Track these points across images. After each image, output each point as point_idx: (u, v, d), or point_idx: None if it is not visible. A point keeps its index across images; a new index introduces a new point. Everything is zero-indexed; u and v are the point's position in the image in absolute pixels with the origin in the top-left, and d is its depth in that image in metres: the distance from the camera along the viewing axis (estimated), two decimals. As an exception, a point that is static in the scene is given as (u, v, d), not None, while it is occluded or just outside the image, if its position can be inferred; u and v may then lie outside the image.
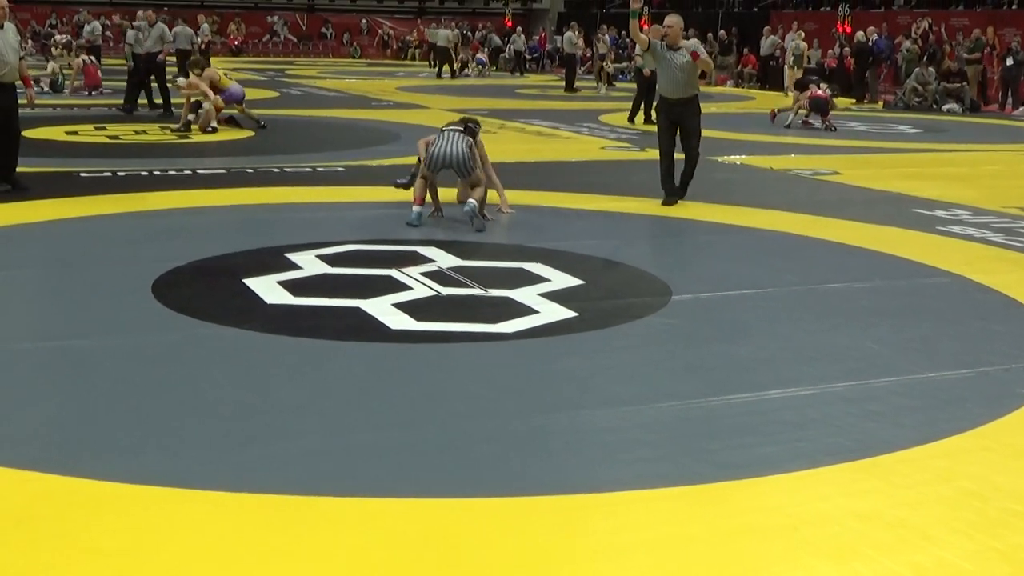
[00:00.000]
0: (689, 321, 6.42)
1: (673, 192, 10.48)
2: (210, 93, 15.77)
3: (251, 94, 23.71)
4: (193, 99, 16.00)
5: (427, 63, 40.09)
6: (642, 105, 18.59)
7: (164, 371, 5.26)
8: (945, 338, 6.16)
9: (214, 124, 15.74)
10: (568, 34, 28.88)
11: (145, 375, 5.19)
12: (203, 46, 31.98)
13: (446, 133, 9.24)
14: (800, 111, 18.76)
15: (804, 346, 5.96)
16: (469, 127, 9.39)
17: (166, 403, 4.80)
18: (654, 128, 17.47)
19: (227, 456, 4.23)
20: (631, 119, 18.73)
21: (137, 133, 15.68)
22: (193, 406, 4.77)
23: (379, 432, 4.52)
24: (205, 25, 32.75)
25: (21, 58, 10.36)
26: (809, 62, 27.82)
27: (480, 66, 35.63)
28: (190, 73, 16.10)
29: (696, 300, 6.91)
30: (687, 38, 18.17)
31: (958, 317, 6.64)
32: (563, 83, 28.36)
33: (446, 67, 32.86)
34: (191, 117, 15.91)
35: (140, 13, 19.43)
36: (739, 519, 3.82)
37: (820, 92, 18.61)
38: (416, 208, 9.07)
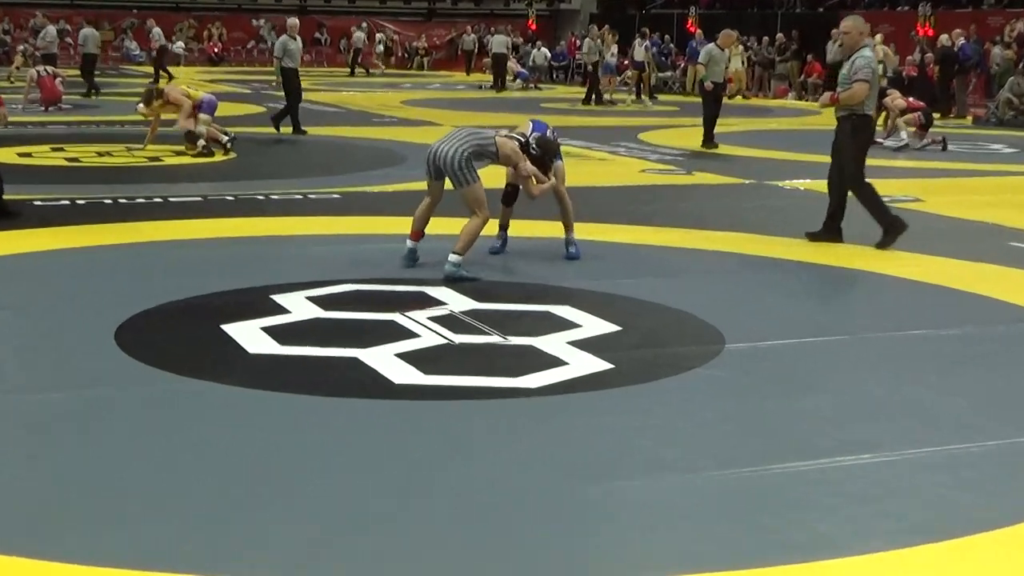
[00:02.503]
0: (744, 374, 6.39)
1: (827, 230, 10.35)
2: (185, 104, 15.88)
3: (233, 109, 23.97)
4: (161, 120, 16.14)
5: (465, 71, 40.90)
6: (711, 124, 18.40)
7: (127, 435, 5.26)
8: (1049, 394, 6.12)
9: (205, 142, 15.79)
10: (588, 41, 29.08)
11: (104, 439, 5.19)
12: (155, 52, 32.29)
13: (471, 131, 9.00)
14: (906, 128, 18.68)
15: (880, 403, 5.92)
16: (531, 143, 9.10)
17: (129, 473, 4.80)
18: (715, 151, 17.63)
19: (205, 536, 4.22)
20: (707, 142, 18.30)
21: (100, 155, 15.82)
22: (162, 477, 4.76)
23: (380, 506, 4.50)
24: (156, 29, 32.92)
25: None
26: (885, 71, 27.86)
27: (524, 80, 35.92)
28: (151, 101, 16.19)
29: (753, 349, 6.88)
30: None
31: (1064, 369, 6.60)
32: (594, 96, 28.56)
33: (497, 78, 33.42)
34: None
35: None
36: (805, 609, 3.78)
37: (911, 101, 18.72)
38: (409, 243, 8.95)
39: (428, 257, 8.91)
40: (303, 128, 19.08)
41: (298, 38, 19.48)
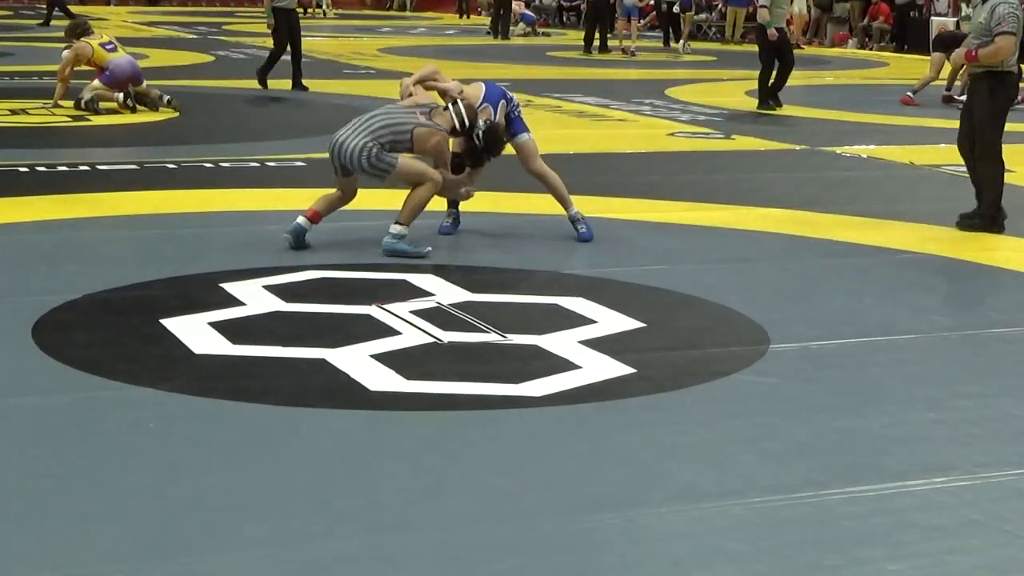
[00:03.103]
0: (794, 381, 6.39)
1: (984, 220, 10.13)
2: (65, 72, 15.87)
3: (176, 59, 24.00)
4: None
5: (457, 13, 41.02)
6: (767, 81, 18.06)
7: (48, 451, 5.26)
8: None
9: (100, 100, 15.72)
10: None
11: (20, 456, 5.19)
12: None
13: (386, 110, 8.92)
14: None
15: (960, 418, 5.92)
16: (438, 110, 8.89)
17: (49, 496, 4.80)
18: (772, 112, 17.50)
19: (143, 573, 4.23)
20: (764, 102, 18.01)
21: (13, 112, 15.82)
22: (91, 501, 4.76)
23: (354, 539, 4.50)
24: None
25: None
26: (964, 11, 27.83)
27: (529, 25, 35.94)
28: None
29: (804, 351, 6.89)
30: None
31: None
32: (613, 42, 28.58)
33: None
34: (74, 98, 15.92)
35: None
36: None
37: None
38: (300, 220, 8.78)
39: (414, 236, 8.92)
40: (303, 83, 19.05)
41: None
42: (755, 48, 18.95)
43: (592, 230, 9.36)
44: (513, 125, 9.31)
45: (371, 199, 9.77)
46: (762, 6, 17.97)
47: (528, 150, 9.37)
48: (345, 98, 18.22)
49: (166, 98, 16.08)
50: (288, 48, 19.05)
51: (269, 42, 27.18)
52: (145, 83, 16.16)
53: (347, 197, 9.02)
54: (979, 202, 10.14)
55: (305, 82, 19.06)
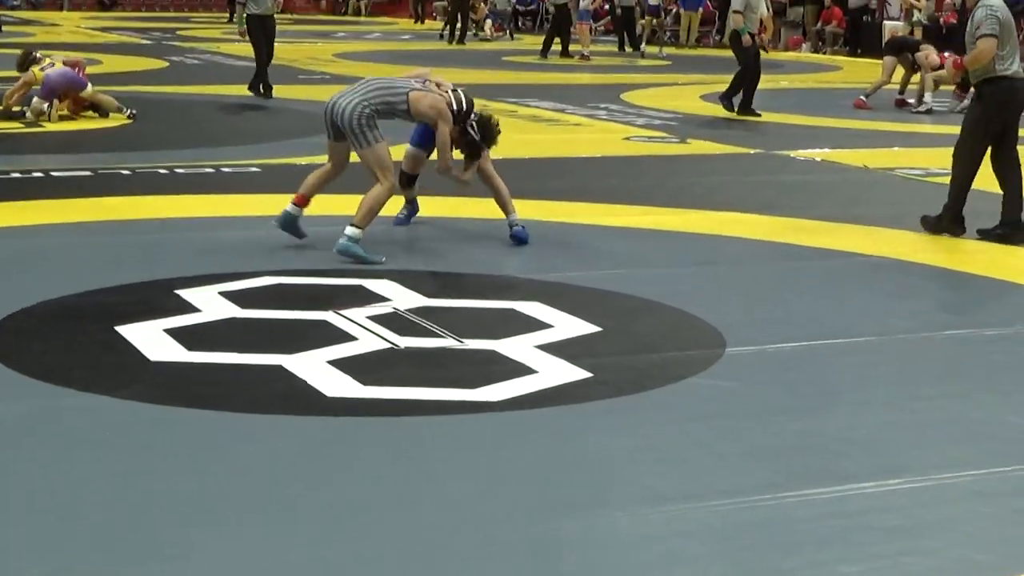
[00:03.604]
0: (751, 384, 6.41)
1: (948, 223, 10.03)
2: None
3: (129, 64, 23.88)
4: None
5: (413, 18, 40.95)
6: (743, 87, 17.85)
7: (2, 458, 5.22)
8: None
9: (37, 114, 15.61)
10: None
11: (-24, 464, 5.16)
12: None
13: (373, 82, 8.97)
14: (937, 87, 18.74)
15: (917, 420, 5.95)
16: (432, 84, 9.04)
17: (5, 504, 4.76)
18: (751, 119, 17.40)
19: (93, 580, 4.20)
20: (729, 104, 17.83)
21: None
22: (46, 510, 4.73)
23: (313, 547, 4.49)
24: None
25: None
26: (916, 16, 28.05)
27: (496, 22, 35.94)
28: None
29: (761, 354, 6.91)
30: None
31: None
32: (574, 47, 28.62)
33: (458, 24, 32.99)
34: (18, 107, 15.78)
35: None
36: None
37: (946, 56, 18.71)
38: (290, 207, 8.95)
39: (372, 242, 8.90)
40: (269, 88, 18.89)
41: None
42: (709, 52, 18.99)
43: (526, 231, 9.32)
44: None
45: (327, 204, 9.76)
46: (736, 11, 17.67)
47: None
48: (301, 103, 18.15)
49: (128, 111, 15.92)
50: (267, 52, 18.82)
51: (224, 47, 27.13)
52: (92, 89, 15.97)
53: (337, 168, 9.02)
54: (1009, 209, 9.91)
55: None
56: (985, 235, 9.81)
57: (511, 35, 36.65)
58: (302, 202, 8.98)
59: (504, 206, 9.42)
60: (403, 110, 8.83)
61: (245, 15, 18.77)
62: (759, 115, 17.50)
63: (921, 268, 9.02)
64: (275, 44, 19.01)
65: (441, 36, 33.53)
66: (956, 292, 8.59)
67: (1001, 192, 9.94)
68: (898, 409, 6.07)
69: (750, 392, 6.28)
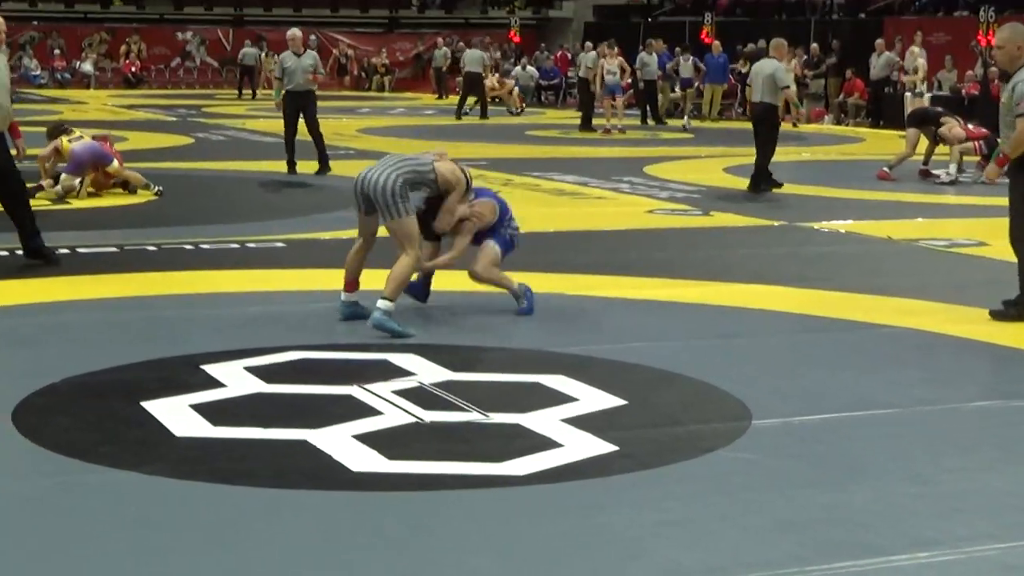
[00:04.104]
0: (776, 456, 6.39)
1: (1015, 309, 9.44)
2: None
3: (155, 141, 24.06)
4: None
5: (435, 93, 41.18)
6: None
7: (25, 536, 5.23)
8: None
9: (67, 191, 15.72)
10: (589, 55, 29.18)
11: None
12: None
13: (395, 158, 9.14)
14: (962, 158, 18.73)
15: (943, 492, 5.92)
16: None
17: (31, 581, 4.77)
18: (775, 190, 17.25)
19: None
20: (770, 180, 17.50)
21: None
22: (70, 585, 4.74)
23: (336, 620, 4.47)
24: None
25: (13, 101, 11.45)
26: (938, 88, 28.12)
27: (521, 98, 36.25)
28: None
29: (786, 426, 6.89)
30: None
31: None
32: (598, 121, 28.71)
33: (471, 101, 32.98)
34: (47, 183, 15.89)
35: None
36: None
37: (970, 129, 18.73)
38: (343, 296, 9.07)
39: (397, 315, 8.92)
40: (295, 166, 19.01)
41: (305, 52, 19.24)
42: (731, 124, 18.98)
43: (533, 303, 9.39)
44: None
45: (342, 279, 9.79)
46: (786, 87, 17.68)
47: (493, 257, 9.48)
48: (326, 178, 18.27)
49: (155, 188, 16.04)
50: (294, 129, 18.92)
51: (249, 124, 27.37)
52: (118, 164, 16.09)
53: (369, 242, 9.13)
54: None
55: (281, 164, 19.00)
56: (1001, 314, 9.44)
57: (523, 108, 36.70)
58: (352, 288, 9.11)
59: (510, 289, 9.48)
60: (431, 179, 8.99)
61: (283, 90, 18.92)
62: (781, 185, 17.51)
63: (946, 339, 8.99)
64: (310, 119, 18.94)
65: (472, 111, 33.34)
66: (982, 363, 8.56)
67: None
68: (924, 481, 6.05)
69: (775, 465, 6.26)
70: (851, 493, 5.87)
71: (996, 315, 9.45)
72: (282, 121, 19.05)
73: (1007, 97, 9.43)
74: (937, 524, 5.49)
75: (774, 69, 17.41)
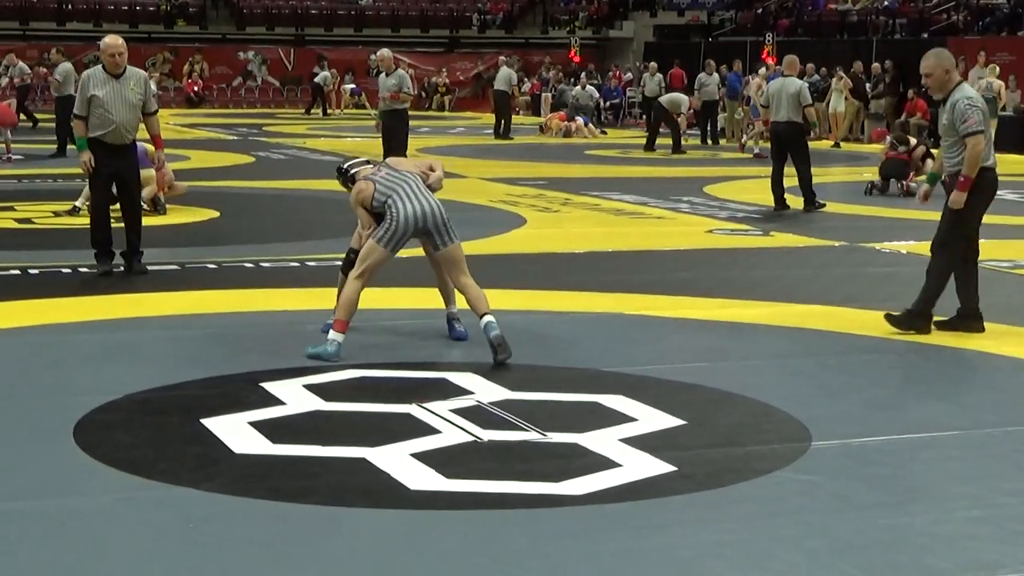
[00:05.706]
0: (837, 478, 6.36)
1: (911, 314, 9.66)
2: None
3: (216, 160, 24.23)
4: None
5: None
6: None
7: (85, 552, 5.27)
8: None
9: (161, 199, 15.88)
10: (655, 76, 29.16)
11: (63, 556, 5.20)
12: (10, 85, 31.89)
13: (400, 175, 8.96)
14: None
15: (1005, 515, 5.87)
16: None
17: (91, 596, 4.81)
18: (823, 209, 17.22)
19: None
20: (809, 203, 17.73)
21: (56, 215, 15.96)
22: (129, 600, 4.77)
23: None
24: (21, 64, 32.39)
25: (153, 112, 11.86)
26: (1002, 108, 27.89)
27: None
28: None
29: (846, 448, 6.85)
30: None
31: None
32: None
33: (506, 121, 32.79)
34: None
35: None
36: None
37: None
38: (335, 336, 8.61)
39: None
40: None
41: (395, 71, 19.48)
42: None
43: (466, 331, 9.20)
44: None
45: (402, 298, 9.84)
46: (809, 105, 17.75)
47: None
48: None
49: (163, 206, 15.98)
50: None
51: (310, 143, 27.58)
52: (158, 171, 16.09)
53: (441, 270, 9.11)
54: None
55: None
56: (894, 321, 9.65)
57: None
58: (455, 316, 9.17)
59: (446, 297, 9.32)
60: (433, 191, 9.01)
61: (380, 110, 19.61)
62: (824, 204, 17.53)
63: (1006, 360, 8.92)
64: (358, 138, 19.23)
65: (500, 132, 32.97)
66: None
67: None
68: (985, 504, 6.00)
69: (835, 486, 6.23)
70: (912, 516, 5.83)
71: (892, 320, 9.66)
72: (339, 140, 19.33)
73: (947, 118, 9.54)
74: (999, 548, 5.45)
75: (799, 87, 17.56)
